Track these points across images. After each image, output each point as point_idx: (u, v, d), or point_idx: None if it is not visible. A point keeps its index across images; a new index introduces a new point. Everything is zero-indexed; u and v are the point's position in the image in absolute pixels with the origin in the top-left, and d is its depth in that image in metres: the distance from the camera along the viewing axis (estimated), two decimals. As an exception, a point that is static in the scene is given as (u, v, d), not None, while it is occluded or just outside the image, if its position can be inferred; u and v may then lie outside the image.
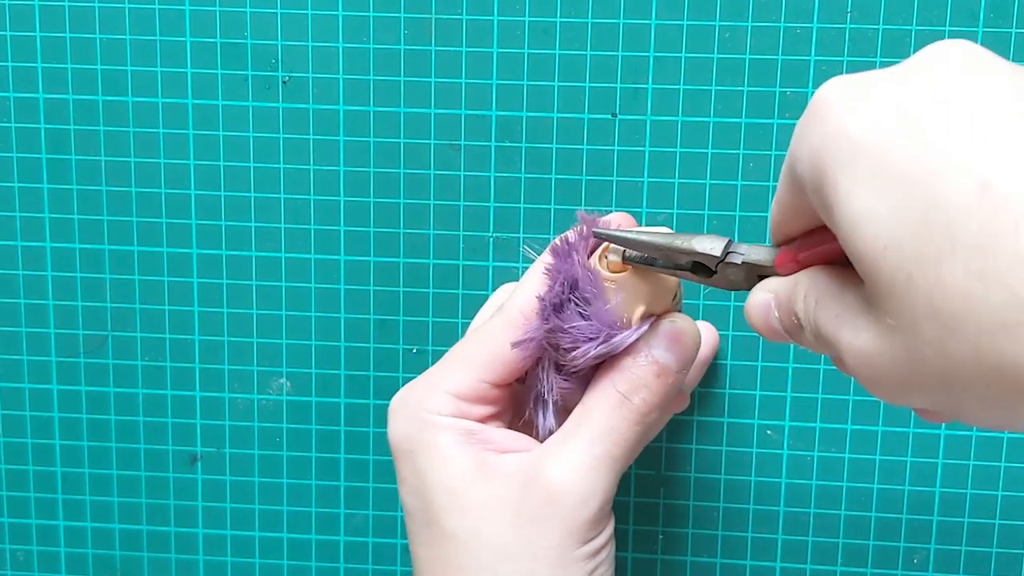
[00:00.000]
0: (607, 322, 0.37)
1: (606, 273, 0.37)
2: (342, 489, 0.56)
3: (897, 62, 0.28)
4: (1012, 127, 0.25)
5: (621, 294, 0.37)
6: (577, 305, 0.37)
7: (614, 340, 0.37)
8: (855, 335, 0.28)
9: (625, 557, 0.55)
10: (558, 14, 0.50)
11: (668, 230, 0.37)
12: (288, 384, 0.55)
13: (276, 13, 0.51)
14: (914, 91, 0.27)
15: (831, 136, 0.27)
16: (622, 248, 0.37)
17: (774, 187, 0.51)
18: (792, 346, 0.51)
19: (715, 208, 0.51)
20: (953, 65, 0.27)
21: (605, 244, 0.38)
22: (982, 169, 0.24)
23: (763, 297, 0.33)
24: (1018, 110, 0.25)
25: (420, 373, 0.41)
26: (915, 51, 0.28)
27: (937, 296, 0.24)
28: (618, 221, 0.40)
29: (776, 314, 0.33)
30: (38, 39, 0.52)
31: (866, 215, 0.26)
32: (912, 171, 0.25)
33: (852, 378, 0.30)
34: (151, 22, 0.52)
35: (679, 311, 0.40)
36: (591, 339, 0.37)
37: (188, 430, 0.56)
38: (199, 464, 0.56)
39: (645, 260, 0.37)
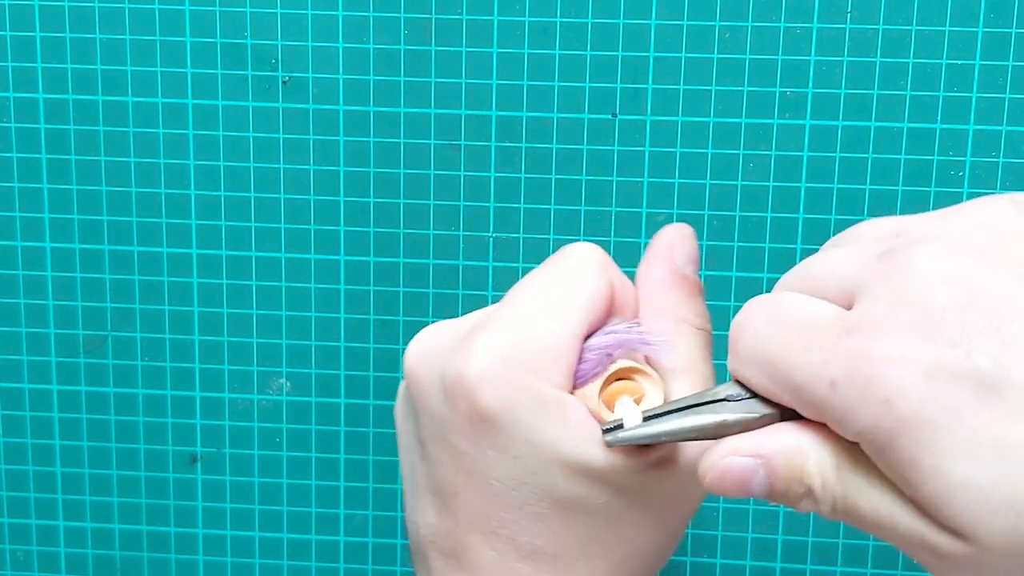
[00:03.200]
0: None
1: (604, 413, 0.33)
2: (342, 489, 0.56)
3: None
4: None
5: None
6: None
7: None
8: (935, 555, 0.26)
9: (625, 557, 0.55)
10: (558, 14, 0.50)
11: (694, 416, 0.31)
12: (288, 384, 0.55)
13: (276, 13, 0.51)
14: (973, 357, 0.25)
15: (904, 420, 0.25)
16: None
17: (774, 187, 0.51)
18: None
19: (715, 208, 0.51)
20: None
21: (620, 379, 0.34)
22: None
23: (744, 462, 0.29)
24: None
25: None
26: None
27: None
28: (675, 237, 0.36)
29: (765, 478, 0.29)
30: (38, 39, 0.52)
31: (962, 486, 0.25)
32: (1007, 439, 0.24)
33: None
34: (151, 22, 0.52)
35: None
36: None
37: (188, 430, 0.56)
38: (199, 464, 0.56)
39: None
